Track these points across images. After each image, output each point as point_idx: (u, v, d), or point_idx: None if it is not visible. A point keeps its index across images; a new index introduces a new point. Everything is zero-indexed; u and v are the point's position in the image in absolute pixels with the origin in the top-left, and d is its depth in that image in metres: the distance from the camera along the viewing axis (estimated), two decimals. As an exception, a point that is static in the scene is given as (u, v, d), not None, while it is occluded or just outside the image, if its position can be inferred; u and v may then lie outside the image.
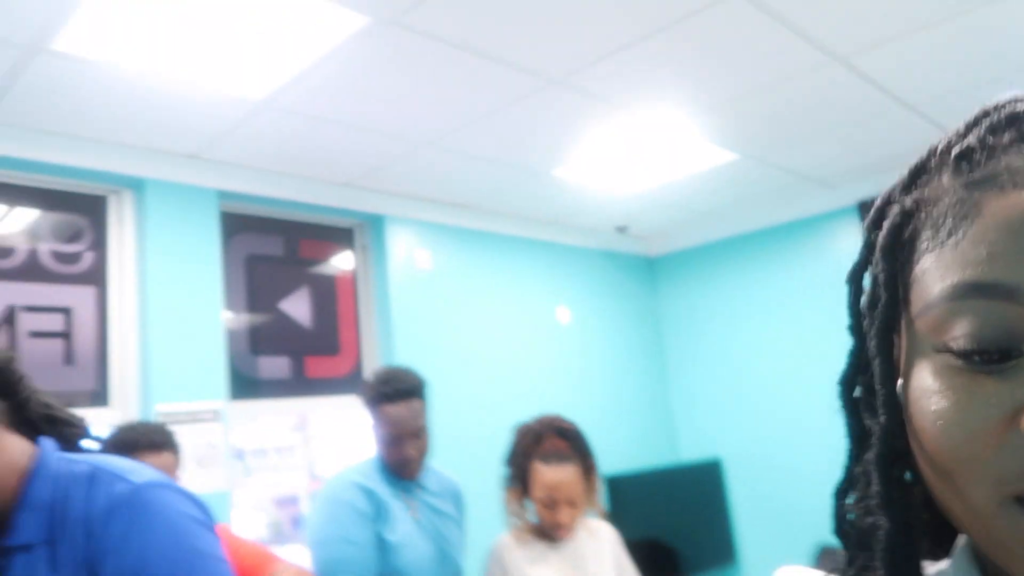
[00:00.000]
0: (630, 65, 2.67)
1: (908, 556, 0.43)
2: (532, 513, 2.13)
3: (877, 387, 0.44)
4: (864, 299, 0.47)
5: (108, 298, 2.95)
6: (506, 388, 4.01)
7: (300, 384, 3.43)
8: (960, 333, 0.38)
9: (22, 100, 2.51)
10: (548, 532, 2.10)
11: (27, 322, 2.74)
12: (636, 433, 4.71)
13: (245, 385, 3.23)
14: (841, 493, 0.48)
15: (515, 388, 4.05)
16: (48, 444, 1.05)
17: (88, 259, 2.94)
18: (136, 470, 1.04)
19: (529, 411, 2.34)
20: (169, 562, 0.98)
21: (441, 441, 2.44)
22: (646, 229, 4.89)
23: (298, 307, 3.53)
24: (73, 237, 2.93)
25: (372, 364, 3.67)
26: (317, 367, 3.50)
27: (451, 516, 2.22)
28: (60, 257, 2.87)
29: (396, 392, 2.07)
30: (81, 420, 1.14)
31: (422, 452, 2.12)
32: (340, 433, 3.70)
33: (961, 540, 0.46)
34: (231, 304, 3.27)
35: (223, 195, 3.23)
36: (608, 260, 4.92)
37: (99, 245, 2.98)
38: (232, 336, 3.23)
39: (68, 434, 1.11)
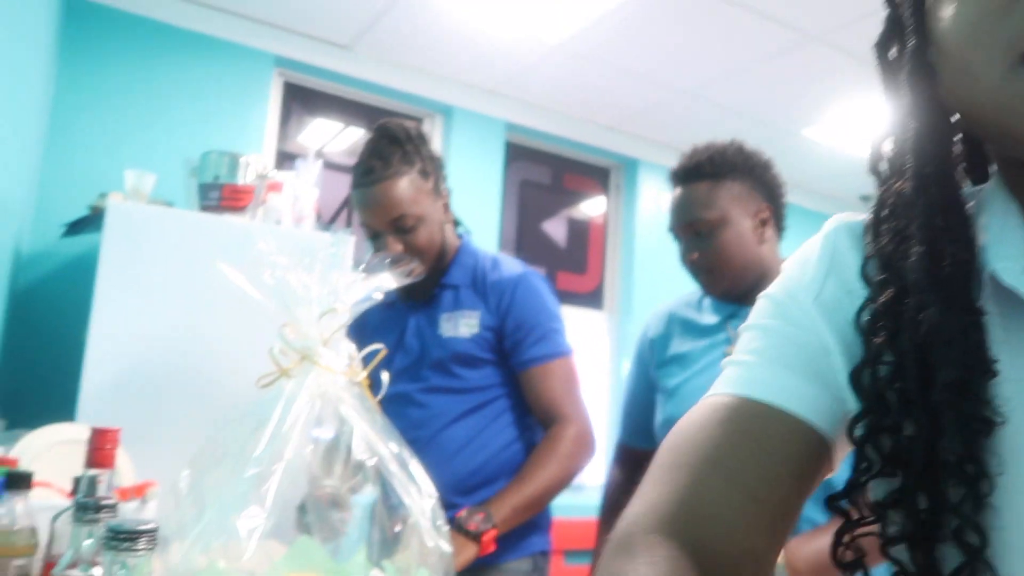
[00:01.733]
0: (890, 25, 2.88)
1: (943, 179, 0.48)
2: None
3: (906, 16, 0.50)
4: None
5: (414, 200, 3.72)
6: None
7: (551, 294, 4.08)
8: None
9: (382, 34, 3.28)
10: None
11: (360, 208, 3.57)
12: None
13: (507, 287, 3.92)
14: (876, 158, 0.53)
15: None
16: (466, 236, 1.72)
17: (404, 167, 3.74)
18: (518, 262, 1.68)
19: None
20: (548, 316, 1.58)
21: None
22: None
23: (556, 229, 4.14)
24: (395, 149, 3.73)
25: (613, 287, 4.19)
26: (566, 281, 4.10)
27: None
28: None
29: None
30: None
31: None
32: (577, 339, 4.29)
33: (993, 167, 0.53)
34: (504, 219, 3.94)
35: (509, 127, 3.87)
36: (848, 230, 5.00)
37: (412, 158, 3.77)
38: (503, 245, 3.89)
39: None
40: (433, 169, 1.60)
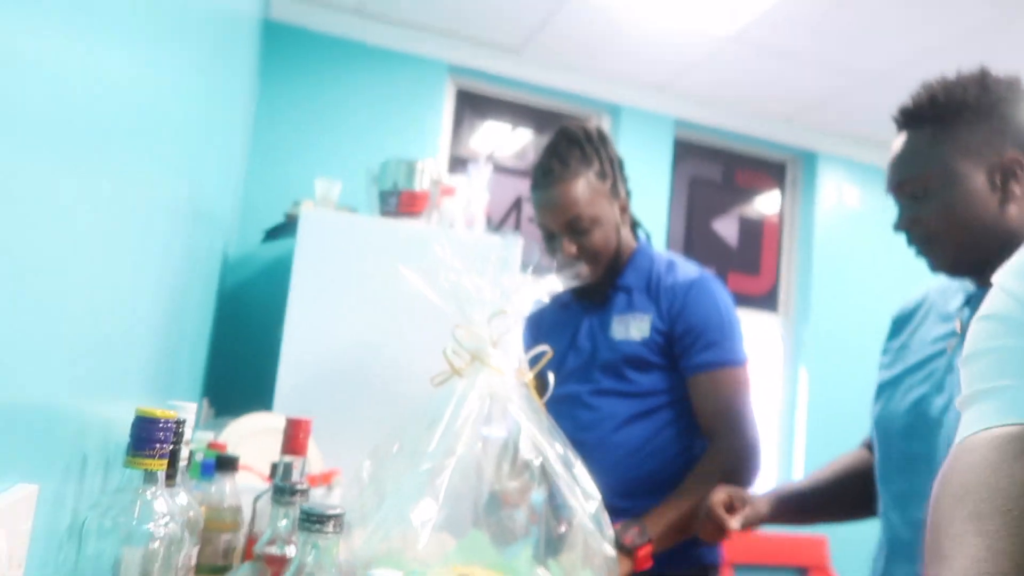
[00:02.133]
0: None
1: None
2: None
3: None
4: None
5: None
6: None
7: (722, 295, 3.93)
8: None
9: (550, 36, 3.33)
10: None
11: (528, 210, 3.64)
12: None
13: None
14: None
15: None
16: (643, 238, 1.71)
17: (571, 169, 3.77)
18: (695, 266, 1.64)
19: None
20: (722, 322, 1.54)
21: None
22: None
23: (728, 228, 4.00)
24: (562, 150, 3.77)
25: (789, 288, 3.99)
26: (738, 283, 3.95)
27: None
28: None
29: None
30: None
31: None
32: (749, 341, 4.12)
33: None
34: (673, 219, 3.86)
35: (679, 123, 3.79)
36: None
37: (580, 158, 3.78)
38: (671, 246, 3.82)
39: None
40: (611, 170, 1.61)
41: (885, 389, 1.26)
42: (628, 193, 1.67)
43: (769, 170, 4.13)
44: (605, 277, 1.61)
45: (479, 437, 0.98)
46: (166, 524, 0.59)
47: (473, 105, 3.65)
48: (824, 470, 1.45)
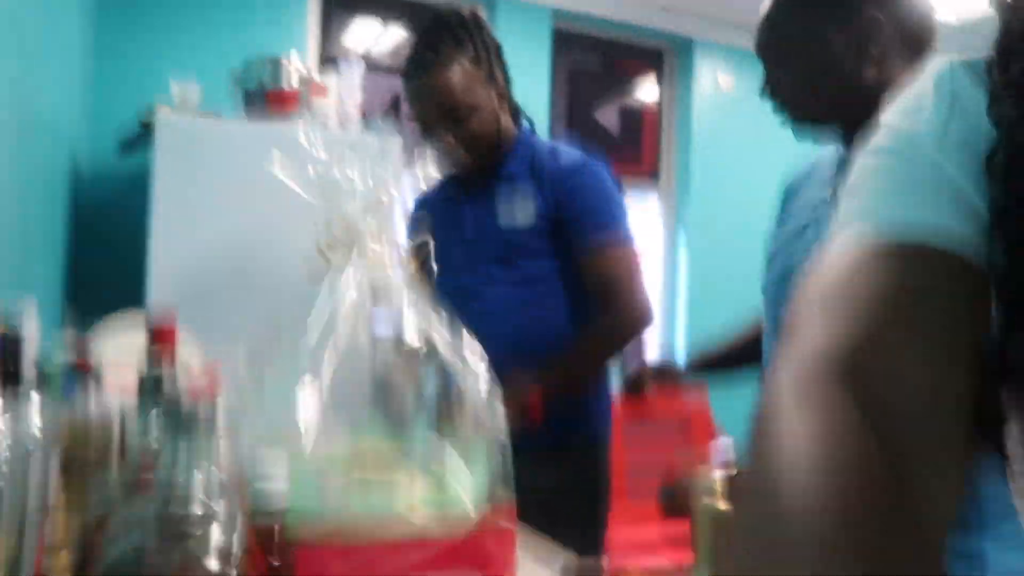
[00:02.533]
0: None
1: None
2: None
3: None
4: None
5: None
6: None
7: (606, 186, 4.01)
8: None
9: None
10: None
11: (407, 109, 3.52)
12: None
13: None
14: None
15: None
16: (525, 125, 1.67)
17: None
18: (579, 151, 1.62)
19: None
20: (609, 203, 1.54)
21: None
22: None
23: (609, 117, 4.02)
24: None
25: (669, 174, 4.08)
26: (620, 170, 4.00)
27: None
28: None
29: None
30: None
31: None
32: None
33: None
34: (554, 110, 3.83)
35: (556, 13, 3.71)
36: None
37: (457, 53, 3.67)
38: (554, 136, 3.81)
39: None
40: (487, 56, 1.55)
41: (769, 260, 1.28)
42: (508, 80, 1.62)
43: (647, 58, 4.13)
44: (487, 165, 1.58)
45: (361, 329, 0.96)
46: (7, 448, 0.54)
47: (343, 1, 3.44)
48: (734, 336, 1.54)
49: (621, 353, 1.57)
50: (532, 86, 3.63)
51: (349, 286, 0.97)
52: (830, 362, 0.38)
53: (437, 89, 1.48)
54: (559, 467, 1.49)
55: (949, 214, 0.43)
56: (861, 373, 0.37)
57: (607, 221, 1.53)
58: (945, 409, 0.37)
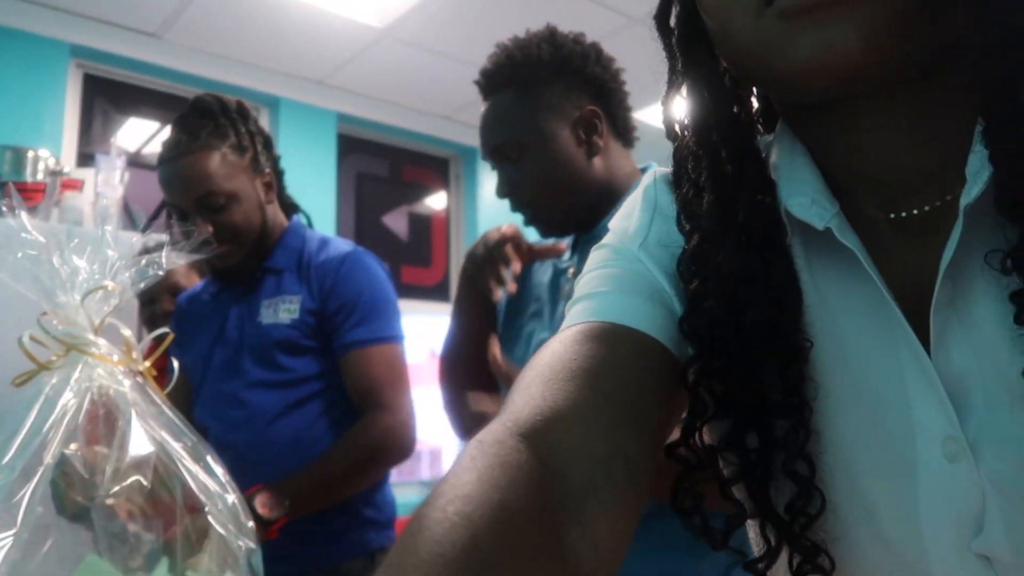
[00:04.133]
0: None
1: (726, 129, 0.50)
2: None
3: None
4: None
5: (243, 198, 3.51)
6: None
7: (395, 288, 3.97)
8: None
9: (193, 21, 3.05)
10: None
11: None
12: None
13: (350, 285, 3.77)
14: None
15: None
16: (297, 218, 1.58)
17: (229, 164, 3.52)
18: (349, 243, 1.55)
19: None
20: (374, 297, 1.46)
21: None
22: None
23: (398, 222, 4.03)
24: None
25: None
26: (411, 275, 4.00)
27: None
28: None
29: None
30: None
31: None
32: (424, 332, 4.20)
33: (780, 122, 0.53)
34: (342, 214, 3.78)
35: (341, 118, 3.73)
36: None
37: (238, 153, 3.55)
38: (341, 242, 3.75)
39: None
40: (251, 144, 1.48)
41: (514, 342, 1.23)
42: (278, 171, 1.56)
43: (434, 165, 4.24)
44: (252, 260, 1.48)
45: (79, 440, 0.81)
46: None
47: (112, 99, 3.23)
48: None
49: (380, 466, 1.42)
50: (319, 190, 3.59)
51: (65, 391, 0.83)
52: (517, 424, 0.41)
53: (193, 174, 1.38)
54: None
55: (643, 302, 0.50)
56: (538, 435, 0.41)
57: (370, 316, 1.44)
58: (611, 470, 0.41)
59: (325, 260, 1.48)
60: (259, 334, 1.43)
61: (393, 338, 1.47)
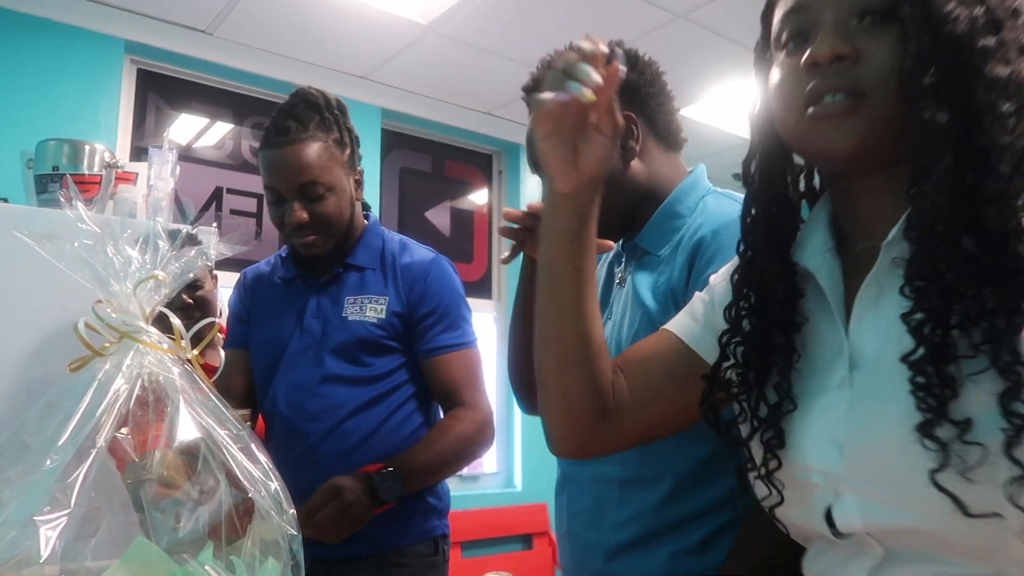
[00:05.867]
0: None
1: (771, 193, 0.77)
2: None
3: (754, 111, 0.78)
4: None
5: (289, 192, 3.56)
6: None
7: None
8: (782, 32, 0.72)
9: (242, 18, 3.11)
10: None
11: (229, 202, 3.38)
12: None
13: (392, 279, 3.80)
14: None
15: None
16: (374, 217, 1.63)
17: (276, 159, 3.57)
18: (428, 247, 1.60)
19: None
20: (458, 305, 1.52)
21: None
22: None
23: (440, 217, 4.06)
24: (265, 139, 3.56)
25: (500, 275, 4.15)
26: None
27: None
28: (256, 152, 3.50)
29: None
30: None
31: None
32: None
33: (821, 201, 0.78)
34: (385, 209, 3.82)
35: (385, 113, 3.76)
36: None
37: (285, 148, 3.59)
38: (384, 236, 3.79)
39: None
40: (350, 142, 1.52)
41: None
42: (362, 171, 1.59)
43: (476, 161, 4.26)
44: (334, 253, 1.51)
45: (127, 424, 0.84)
46: None
47: (164, 94, 3.31)
48: None
49: (469, 457, 1.51)
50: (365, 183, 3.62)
51: (117, 377, 0.86)
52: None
53: (299, 161, 1.42)
54: None
55: (698, 325, 0.85)
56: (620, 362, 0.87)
57: (456, 322, 1.51)
58: (650, 386, 0.86)
59: (412, 263, 1.52)
60: (344, 329, 1.47)
61: (473, 343, 1.53)
